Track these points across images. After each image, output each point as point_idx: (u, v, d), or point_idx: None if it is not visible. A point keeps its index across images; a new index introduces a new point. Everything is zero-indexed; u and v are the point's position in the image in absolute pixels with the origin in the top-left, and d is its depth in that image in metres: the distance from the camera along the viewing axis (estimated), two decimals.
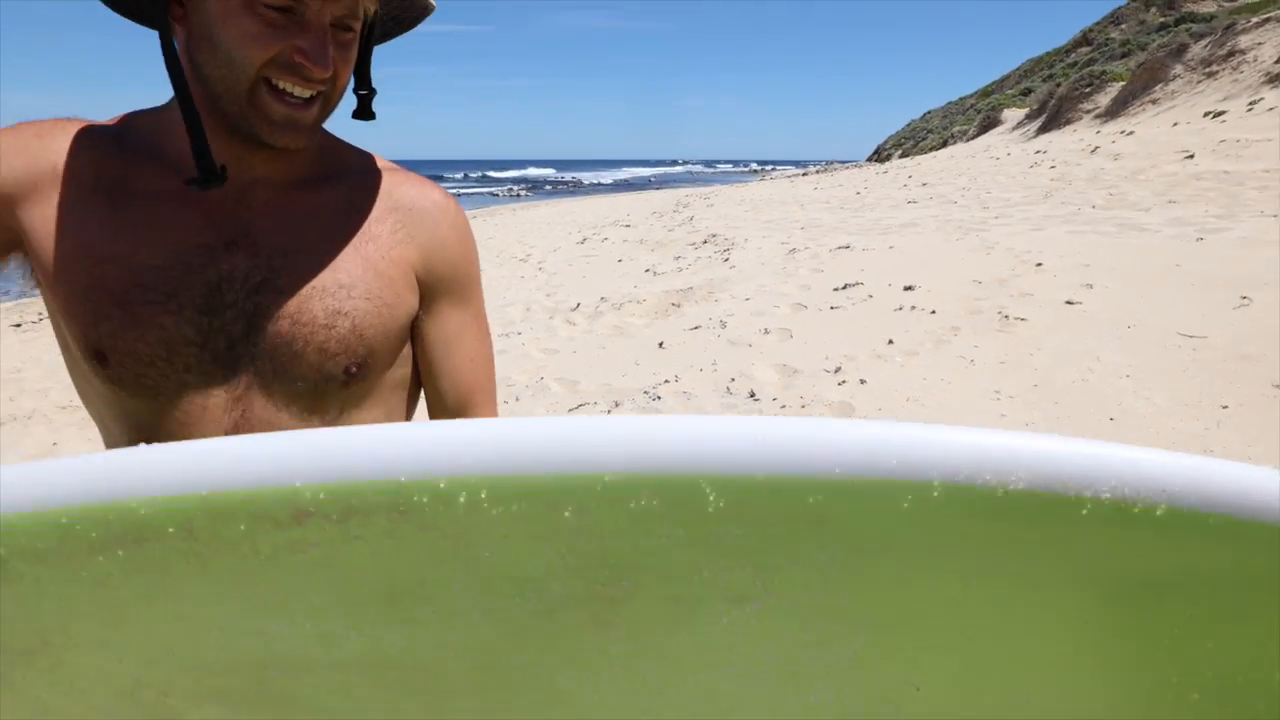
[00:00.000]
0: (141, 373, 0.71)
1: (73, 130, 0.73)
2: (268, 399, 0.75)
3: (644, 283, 6.74)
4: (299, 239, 0.75)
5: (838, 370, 3.85)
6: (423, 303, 0.82)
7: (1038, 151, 14.85)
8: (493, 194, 36.97)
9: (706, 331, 4.85)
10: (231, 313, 0.72)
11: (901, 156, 23.47)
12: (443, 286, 0.83)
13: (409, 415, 0.88)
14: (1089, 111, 21.24)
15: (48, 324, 7.28)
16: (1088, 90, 21.92)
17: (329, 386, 0.76)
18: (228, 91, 0.67)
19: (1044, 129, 22.32)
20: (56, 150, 0.72)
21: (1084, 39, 31.95)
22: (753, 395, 3.70)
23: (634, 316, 5.50)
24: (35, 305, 8.80)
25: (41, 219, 0.71)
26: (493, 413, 0.89)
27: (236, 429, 0.75)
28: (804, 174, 27.19)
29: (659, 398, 3.80)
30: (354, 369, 0.76)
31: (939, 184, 11.90)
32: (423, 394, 0.89)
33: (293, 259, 0.74)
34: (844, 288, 5.43)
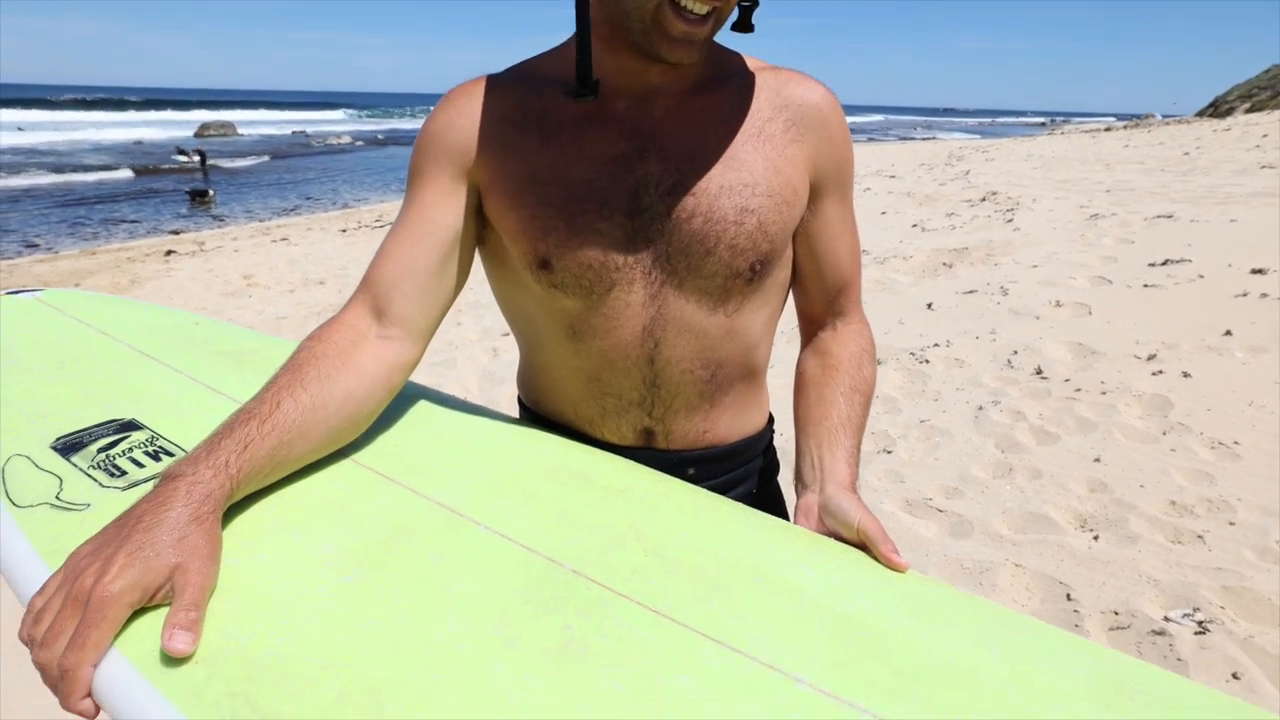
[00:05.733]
0: (580, 275, 0.78)
1: (489, 86, 0.82)
2: (679, 295, 0.80)
3: (910, 238, 6.26)
4: (701, 141, 0.78)
5: (1151, 358, 3.29)
6: (810, 197, 0.83)
7: None
8: None
9: (984, 297, 4.39)
10: (650, 214, 0.77)
11: (1251, 110, 19.24)
12: (829, 183, 0.84)
13: (779, 316, 0.90)
14: None
15: (368, 231, 8.50)
16: None
17: (734, 284, 0.79)
18: (636, 10, 0.71)
19: None
20: (488, 105, 0.80)
21: None
22: (1039, 373, 3.29)
23: (898, 273, 5.14)
24: (357, 215, 10.31)
25: (493, 164, 0.79)
26: (859, 302, 0.92)
27: (654, 324, 0.81)
28: (1107, 129, 23.46)
29: (927, 361, 3.51)
30: (758, 266, 0.79)
31: None
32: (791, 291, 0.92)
33: (699, 161, 0.78)
34: (1163, 263, 4.61)
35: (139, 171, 16.22)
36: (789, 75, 0.83)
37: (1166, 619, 1.83)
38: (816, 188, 0.83)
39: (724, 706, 0.47)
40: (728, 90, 0.81)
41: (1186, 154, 10.44)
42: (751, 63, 0.84)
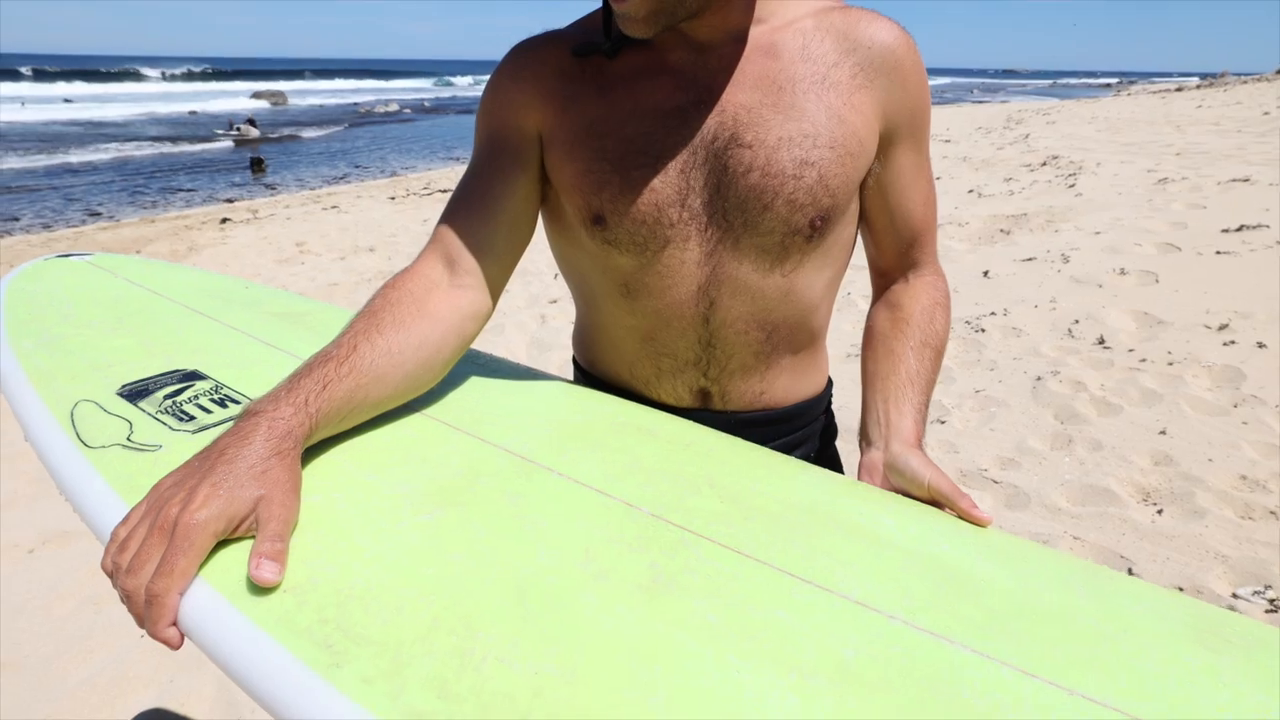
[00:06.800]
0: (634, 230, 0.76)
1: (549, 41, 0.81)
2: (735, 254, 0.77)
3: (966, 204, 6.06)
4: (760, 91, 0.75)
5: (1223, 328, 3.14)
6: (880, 146, 0.79)
7: None
8: None
9: (1043, 264, 4.24)
10: (705, 169, 0.75)
11: None
12: (902, 130, 0.79)
13: (841, 278, 0.87)
14: None
15: (416, 199, 8.58)
16: None
17: (793, 241, 0.76)
18: None
19: None
20: (548, 58, 0.80)
21: None
22: (1102, 342, 3.17)
23: (953, 240, 4.99)
24: (404, 183, 10.41)
25: (553, 116, 0.79)
26: (934, 253, 0.88)
27: (709, 283, 0.79)
28: (1179, 89, 22.26)
29: (982, 330, 3.42)
30: (818, 221, 0.76)
31: None
32: (859, 242, 0.89)
33: (757, 113, 0.74)
34: (1238, 229, 4.38)
35: (239, 143, 16.49)
36: (859, 15, 0.78)
37: (1235, 596, 1.77)
38: (888, 136, 0.78)
39: (823, 640, 0.47)
40: (790, 35, 0.77)
41: (1266, 113, 9.87)
42: (820, 2, 0.79)
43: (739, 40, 0.76)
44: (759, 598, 0.50)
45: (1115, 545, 1.98)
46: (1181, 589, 1.81)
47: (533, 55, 0.81)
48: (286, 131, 18.88)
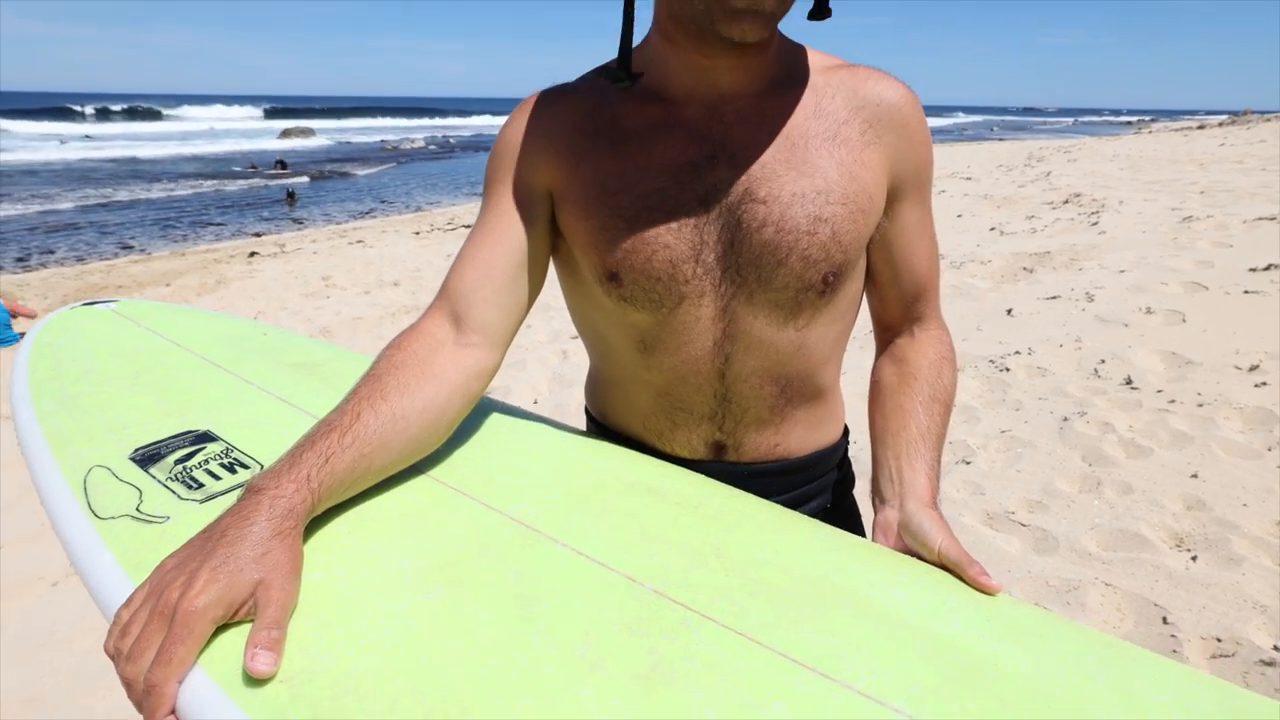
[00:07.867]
0: (649, 288, 0.76)
1: (561, 95, 0.81)
2: (749, 309, 0.77)
3: (988, 242, 6.04)
4: (774, 147, 0.75)
5: (1254, 369, 3.08)
6: (887, 202, 0.79)
7: None
8: None
9: (1068, 303, 4.21)
10: (719, 224, 0.75)
11: None
12: (908, 186, 0.80)
13: (850, 331, 0.87)
14: None
15: (440, 234, 8.71)
16: None
17: (806, 296, 0.76)
18: None
19: None
20: (559, 113, 0.79)
21: None
22: (1129, 383, 3.12)
23: (976, 278, 4.97)
24: (429, 218, 10.58)
25: (565, 173, 0.78)
26: (938, 307, 0.88)
27: (725, 337, 0.79)
28: (1201, 127, 22.21)
29: (1007, 369, 3.38)
30: (831, 277, 0.76)
31: None
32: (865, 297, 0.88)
33: (770, 168, 0.74)
34: (1266, 268, 4.32)
35: (312, 177, 16.94)
36: (866, 73, 0.78)
37: (1277, 649, 1.71)
38: (895, 191, 0.79)
39: None
40: (801, 91, 0.77)
41: None
42: (826, 60, 0.80)
43: (753, 95, 0.76)
44: (759, 688, 0.48)
45: (1148, 593, 1.93)
46: (1219, 640, 1.75)
47: (543, 110, 0.80)
48: (330, 168, 19.21)
